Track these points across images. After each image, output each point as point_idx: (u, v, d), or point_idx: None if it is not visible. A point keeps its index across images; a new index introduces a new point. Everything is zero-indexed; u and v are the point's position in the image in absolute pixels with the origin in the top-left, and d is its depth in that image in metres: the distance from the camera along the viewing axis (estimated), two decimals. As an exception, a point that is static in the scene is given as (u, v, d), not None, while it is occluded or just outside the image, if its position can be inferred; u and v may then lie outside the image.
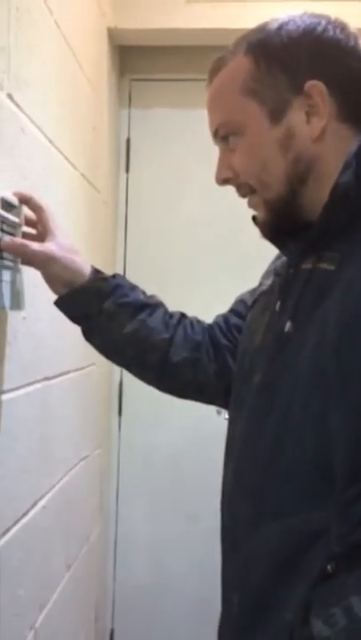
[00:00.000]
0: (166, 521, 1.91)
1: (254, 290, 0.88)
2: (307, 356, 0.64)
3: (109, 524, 1.93)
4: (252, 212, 0.79)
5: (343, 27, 0.69)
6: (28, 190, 0.91)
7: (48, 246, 0.86)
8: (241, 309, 0.91)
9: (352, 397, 0.60)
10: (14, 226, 0.85)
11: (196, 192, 1.93)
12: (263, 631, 0.66)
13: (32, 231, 0.90)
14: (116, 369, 1.94)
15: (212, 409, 1.04)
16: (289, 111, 0.68)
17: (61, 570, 1.33)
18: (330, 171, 0.67)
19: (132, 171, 1.98)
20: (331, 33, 0.68)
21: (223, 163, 0.75)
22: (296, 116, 0.68)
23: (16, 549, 1.00)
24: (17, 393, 1.01)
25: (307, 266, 0.69)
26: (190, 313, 0.98)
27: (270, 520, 0.66)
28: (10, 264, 0.85)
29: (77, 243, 1.40)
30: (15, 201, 0.86)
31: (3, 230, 0.82)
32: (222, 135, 0.74)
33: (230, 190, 0.77)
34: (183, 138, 1.93)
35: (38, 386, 1.12)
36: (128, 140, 1.97)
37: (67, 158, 1.29)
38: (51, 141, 1.16)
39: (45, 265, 0.87)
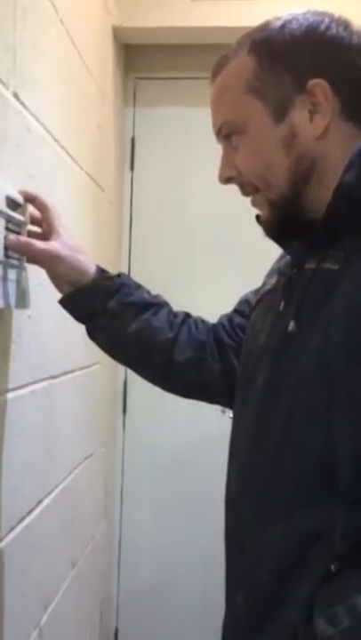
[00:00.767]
0: (171, 520, 1.91)
1: (258, 289, 0.87)
2: (311, 355, 0.64)
3: (114, 522, 1.93)
4: (256, 211, 0.79)
5: (347, 24, 0.69)
6: (33, 189, 0.91)
7: (53, 245, 0.86)
8: (245, 309, 0.91)
9: (357, 397, 0.60)
10: (19, 224, 0.85)
11: (201, 190, 1.92)
12: (268, 631, 0.66)
13: (37, 230, 0.90)
14: (121, 368, 1.94)
15: (217, 408, 1.04)
16: (292, 110, 0.68)
17: (66, 568, 1.33)
18: (334, 169, 0.67)
19: (136, 169, 1.97)
20: (334, 31, 0.68)
21: (226, 161, 0.74)
22: (299, 115, 0.68)
23: (21, 548, 1.00)
24: (22, 391, 1.01)
25: (310, 265, 0.69)
26: (195, 312, 0.98)
27: (275, 520, 0.66)
28: (15, 262, 0.85)
29: (82, 241, 1.41)
30: (20, 199, 0.86)
31: (8, 229, 0.82)
32: (225, 134, 0.73)
33: (236, 189, 0.77)
34: (188, 136, 1.93)
35: (43, 384, 1.12)
36: (133, 139, 1.97)
37: (72, 157, 1.29)
38: (56, 140, 1.16)
39: (50, 264, 0.87)
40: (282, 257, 0.84)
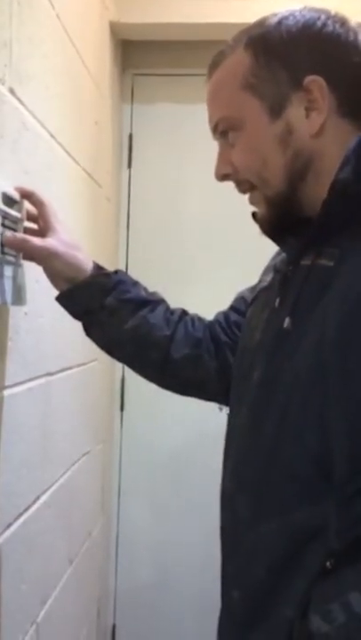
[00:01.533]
0: (168, 516, 1.92)
1: (255, 287, 0.87)
2: (306, 352, 0.64)
3: (111, 519, 1.93)
4: (253, 208, 0.79)
5: (343, 21, 0.69)
6: (29, 185, 0.90)
7: (50, 242, 0.86)
8: (241, 306, 0.91)
9: (352, 394, 0.60)
10: (15, 221, 0.85)
11: (198, 188, 1.92)
12: (263, 627, 0.66)
13: (34, 226, 0.90)
14: (119, 365, 1.94)
15: (214, 405, 1.04)
16: (288, 106, 0.68)
17: (63, 565, 1.33)
18: (330, 166, 0.66)
19: (134, 166, 1.97)
20: (330, 28, 0.67)
21: (222, 158, 0.74)
22: (295, 112, 0.68)
23: (18, 544, 1.00)
24: (19, 388, 1.01)
25: (306, 262, 0.69)
26: (192, 309, 0.98)
27: (270, 517, 0.66)
28: (12, 259, 0.85)
29: (79, 238, 1.40)
30: (17, 196, 0.86)
31: (4, 225, 0.82)
32: (222, 130, 0.73)
33: (233, 186, 0.77)
34: (186, 133, 1.92)
35: (40, 381, 1.12)
36: (130, 136, 1.96)
37: (69, 153, 1.29)
38: (53, 136, 1.16)
39: (47, 260, 0.86)
40: (278, 254, 0.84)
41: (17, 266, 0.87)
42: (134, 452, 1.95)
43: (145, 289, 0.92)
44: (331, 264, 0.65)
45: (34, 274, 0.94)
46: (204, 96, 0.75)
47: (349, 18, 0.70)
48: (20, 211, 0.86)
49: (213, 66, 0.73)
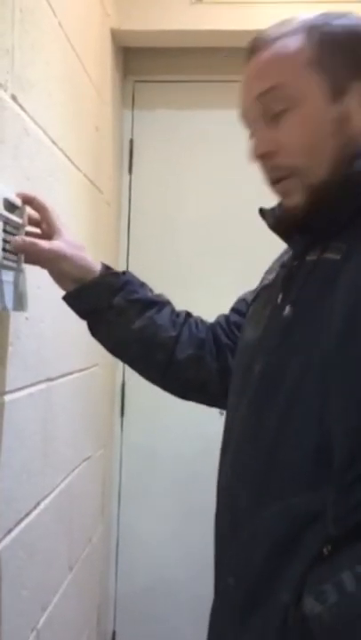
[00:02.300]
0: (168, 522, 1.91)
1: (257, 288, 0.88)
2: (310, 343, 0.65)
3: (111, 525, 1.93)
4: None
5: None
6: (31, 191, 0.91)
7: (57, 244, 0.86)
8: (242, 308, 0.91)
9: (355, 384, 0.61)
10: (17, 227, 0.85)
11: (199, 193, 1.93)
12: (259, 612, 0.66)
13: (36, 230, 0.90)
14: (119, 370, 1.94)
15: (215, 410, 1.04)
16: (348, 93, 0.67)
17: (63, 571, 1.33)
18: None
19: (135, 171, 1.98)
20: None
21: (264, 136, 0.70)
22: (354, 101, 0.67)
23: (18, 550, 1.00)
24: (20, 394, 1.01)
25: (312, 257, 0.69)
26: (194, 314, 0.98)
27: (270, 504, 0.66)
28: (13, 265, 0.85)
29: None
30: (18, 202, 0.86)
31: (6, 231, 0.82)
32: (269, 102, 0.69)
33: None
34: (187, 139, 1.93)
35: (41, 387, 1.12)
36: (131, 142, 1.97)
37: (70, 159, 1.29)
38: (54, 142, 1.16)
39: (55, 262, 0.87)
40: (285, 252, 0.84)
41: (18, 271, 0.87)
42: (135, 458, 1.95)
43: (151, 290, 0.93)
44: (337, 257, 0.66)
45: (35, 279, 0.94)
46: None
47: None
48: (21, 216, 0.87)
49: (263, 43, 0.70)
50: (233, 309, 0.94)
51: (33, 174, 1.03)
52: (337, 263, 0.66)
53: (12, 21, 0.92)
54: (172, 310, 0.92)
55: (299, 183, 0.69)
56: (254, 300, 0.84)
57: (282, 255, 0.85)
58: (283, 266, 0.78)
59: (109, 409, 1.90)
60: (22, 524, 1.02)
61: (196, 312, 0.98)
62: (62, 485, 1.28)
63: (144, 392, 1.00)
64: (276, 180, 0.72)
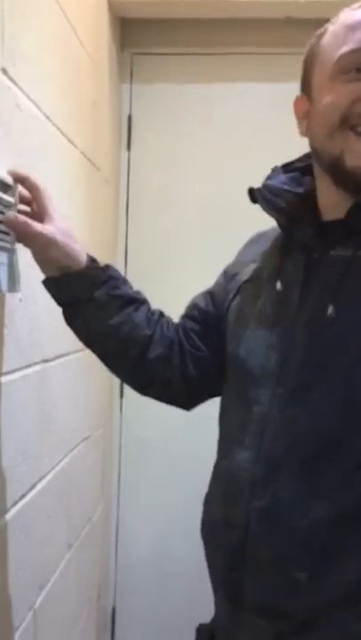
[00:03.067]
0: (167, 501, 1.92)
1: (212, 290, 0.92)
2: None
3: (111, 504, 1.94)
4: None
5: None
6: (23, 168, 0.88)
7: (50, 229, 0.84)
8: (196, 314, 0.93)
9: None
10: (8, 205, 0.83)
11: (199, 170, 1.89)
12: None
13: (26, 208, 0.88)
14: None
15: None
16: None
17: (62, 550, 1.34)
18: None
19: (133, 148, 1.94)
20: None
21: None
22: None
23: (16, 530, 1.00)
24: (15, 375, 1.00)
25: (341, 252, 0.73)
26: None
27: (322, 493, 0.70)
28: (6, 245, 0.83)
29: (77, 222, 1.38)
30: (10, 180, 0.84)
31: (-3, 210, 0.80)
32: None
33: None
34: (187, 114, 1.88)
35: (36, 368, 1.11)
36: (130, 117, 1.93)
37: (65, 135, 1.26)
38: (48, 117, 1.13)
39: (44, 248, 0.85)
40: (249, 247, 0.90)
41: (11, 252, 0.85)
42: (134, 438, 1.95)
43: (131, 287, 0.92)
44: None
45: (28, 259, 0.92)
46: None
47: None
48: (13, 195, 0.84)
49: None
50: (187, 316, 0.95)
51: (25, 151, 1.00)
52: None
53: (1, -10, 0.89)
54: (149, 309, 0.92)
55: None
56: (235, 295, 0.86)
57: (247, 250, 0.89)
58: (285, 255, 0.80)
59: (108, 390, 1.90)
60: (18, 505, 1.02)
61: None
62: (60, 465, 1.28)
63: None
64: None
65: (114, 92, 1.81)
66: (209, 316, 0.92)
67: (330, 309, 0.71)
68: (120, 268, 1.94)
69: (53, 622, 1.25)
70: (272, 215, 0.82)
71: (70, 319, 0.90)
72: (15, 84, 0.95)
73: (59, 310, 0.90)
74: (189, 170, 1.91)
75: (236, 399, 0.82)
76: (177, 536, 1.91)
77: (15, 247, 0.86)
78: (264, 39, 1.79)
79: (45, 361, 1.16)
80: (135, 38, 1.90)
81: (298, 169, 0.85)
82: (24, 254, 0.90)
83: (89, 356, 1.55)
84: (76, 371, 1.43)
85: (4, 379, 0.95)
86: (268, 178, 0.84)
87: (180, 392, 0.92)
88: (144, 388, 0.94)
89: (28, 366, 1.07)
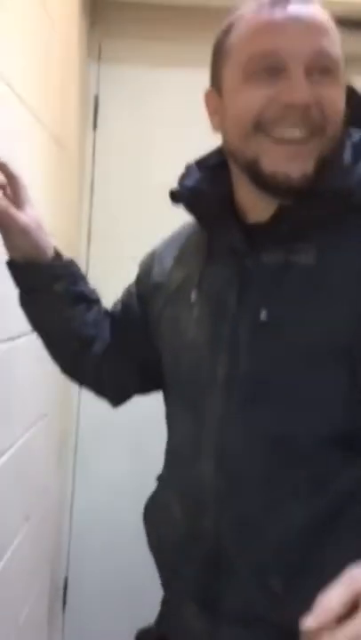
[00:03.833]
0: (122, 474, 1.97)
1: (147, 282, 0.91)
2: (309, 340, 0.69)
3: (67, 477, 1.98)
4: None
5: None
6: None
7: (25, 220, 0.86)
8: (131, 302, 0.94)
9: None
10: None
11: (166, 153, 1.90)
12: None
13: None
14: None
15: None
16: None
17: (19, 522, 1.37)
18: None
19: (100, 128, 1.94)
20: None
21: (309, 89, 0.68)
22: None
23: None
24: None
25: (272, 257, 0.71)
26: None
27: (292, 499, 0.69)
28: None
29: (42, 201, 1.39)
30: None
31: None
32: (324, 60, 0.69)
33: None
34: (155, 98, 1.89)
35: (2, 347, 1.13)
36: (97, 97, 1.92)
37: (33, 113, 1.26)
38: (17, 94, 1.13)
39: (16, 235, 0.86)
40: (165, 252, 0.93)
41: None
42: (92, 414, 1.98)
43: (89, 285, 0.96)
44: (311, 262, 0.69)
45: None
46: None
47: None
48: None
49: None
50: (123, 303, 0.96)
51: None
52: (311, 269, 0.69)
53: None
54: (99, 309, 0.96)
55: (314, 149, 0.69)
56: (167, 304, 0.84)
57: (169, 250, 0.92)
58: (215, 262, 0.78)
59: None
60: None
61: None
62: (20, 441, 1.31)
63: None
64: (303, 135, 0.69)
65: (82, 72, 1.81)
66: (135, 317, 0.93)
67: (263, 314, 0.70)
68: (82, 250, 1.95)
69: (8, 593, 1.29)
70: (195, 217, 0.82)
71: (25, 303, 0.93)
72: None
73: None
74: (156, 153, 1.92)
75: (183, 410, 0.81)
76: (130, 509, 1.96)
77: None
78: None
79: (11, 339, 1.18)
80: (106, 17, 1.89)
81: (213, 166, 0.81)
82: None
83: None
84: (39, 349, 1.45)
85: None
86: (184, 177, 0.81)
87: (109, 390, 0.98)
88: (80, 380, 1.01)
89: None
